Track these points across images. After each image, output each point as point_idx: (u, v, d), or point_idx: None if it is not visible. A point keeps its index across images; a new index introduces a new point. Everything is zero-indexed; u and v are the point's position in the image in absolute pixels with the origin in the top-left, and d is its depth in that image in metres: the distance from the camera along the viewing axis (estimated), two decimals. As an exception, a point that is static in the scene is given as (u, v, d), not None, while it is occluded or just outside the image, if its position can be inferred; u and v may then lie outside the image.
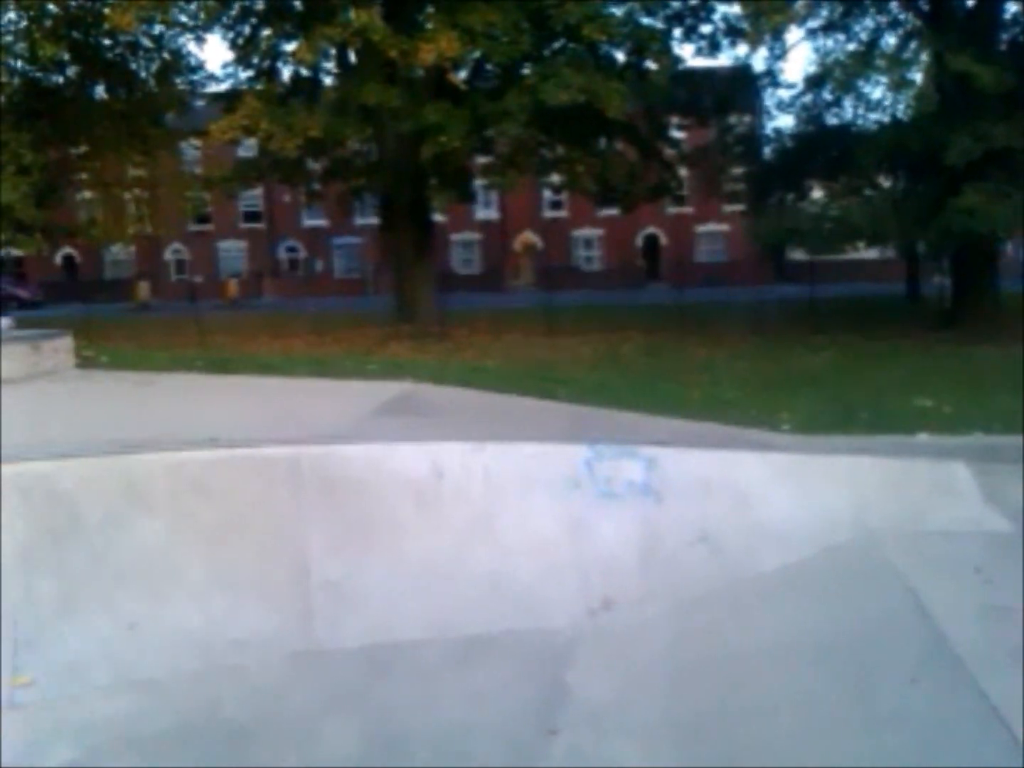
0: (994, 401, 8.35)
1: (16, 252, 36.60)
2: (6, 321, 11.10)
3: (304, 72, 20.99)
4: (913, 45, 18.33)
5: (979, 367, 11.71)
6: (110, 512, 5.44)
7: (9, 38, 20.48)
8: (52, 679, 4.82)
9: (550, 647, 5.14)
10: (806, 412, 8.27)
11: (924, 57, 18.62)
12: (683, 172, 25.06)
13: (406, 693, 4.75)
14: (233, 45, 20.75)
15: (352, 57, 20.13)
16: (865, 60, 18.43)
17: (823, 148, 20.57)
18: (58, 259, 51.18)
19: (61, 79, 22.75)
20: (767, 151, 23.38)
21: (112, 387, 10.61)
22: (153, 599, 5.24)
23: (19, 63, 21.41)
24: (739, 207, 28.46)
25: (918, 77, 20.35)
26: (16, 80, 21.58)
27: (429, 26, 17.81)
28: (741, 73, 22.85)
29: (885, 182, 22.27)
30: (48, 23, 20.12)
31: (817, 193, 22.52)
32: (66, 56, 21.51)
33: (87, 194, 26.60)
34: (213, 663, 4.97)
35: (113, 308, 33.10)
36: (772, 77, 22.06)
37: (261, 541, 5.53)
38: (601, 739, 4.29)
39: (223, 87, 22.80)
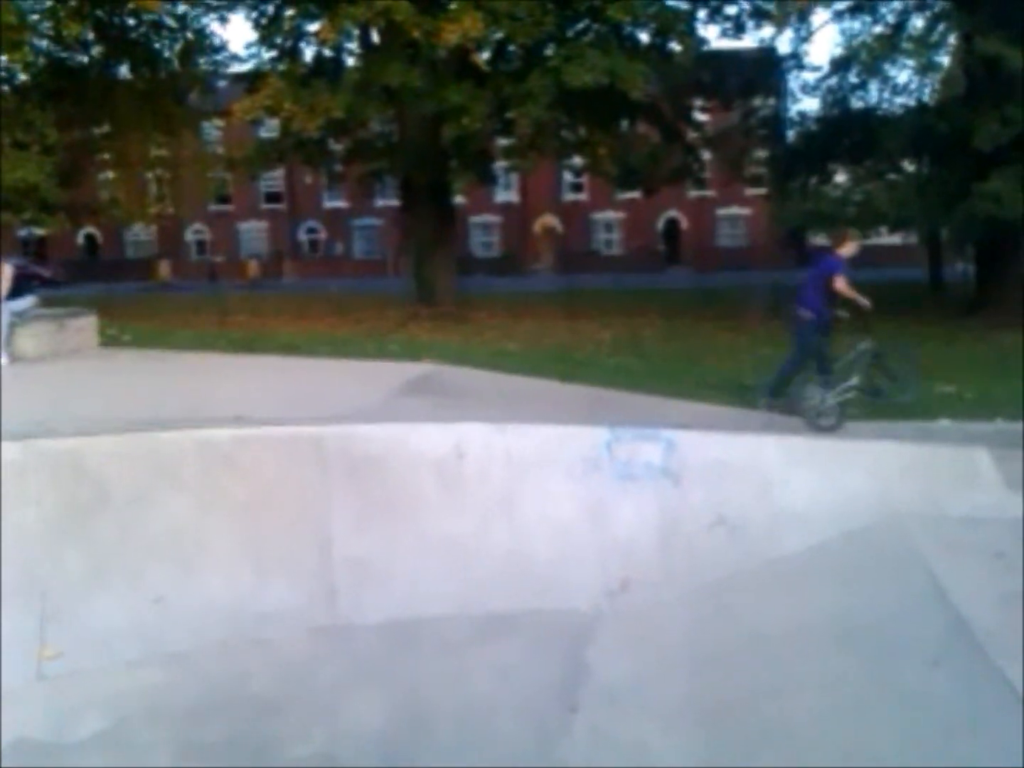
0: (1017, 387, 8.28)
1: (38, 231, 36.88)
2: (31, 299, 11.17)
3: (327, 52, 20.92)
4: (941, 27, 17.99)
5: (1002, 354, 11.60)
6: (137, 487, 5.52)
7: (35, 17, 20.53)
8: (81, 651, 4.91)
9: (569, 626, 5.19)
10: (828, 397, 8.21)
11: (952, 40, 18.35)
12: (706, 155, 24.84)
13: (428, 668, 4.81)
14: (256, 25, 20.65)
15: (375, 37, 20.06)
16: (892, 42, 18.15)
17: (848, 132, 20.31)
18: (79, 239, 51.44)
19: (85, 59, 22.75)
20: (791, 134, 23.12)
21: (137, 365, 10.72)
22: (180, 573, 5.32)
23: (44, 43, 21.49)
24: (762, 191, 28.20)
25: (945, 60, 20.01)
26: (41, 60, 21.64)
27: (453, 6, 17.66)
28: (766, 55, 22.56)
29: (910, 166, 21.99)
30: (73, 3, 20.14)
31: (841, 177, 22.25)
32: (90, 36, 21.54)
33: (109, 174, 26.65)
34: (239, 636, 5.05)
35: (133, 287, 33.23)
36: (797, 59, 21.80)
37: (285, 517, 5.60)
38: (621, 717, 4.33)
39: (246, 67, 22.75)
